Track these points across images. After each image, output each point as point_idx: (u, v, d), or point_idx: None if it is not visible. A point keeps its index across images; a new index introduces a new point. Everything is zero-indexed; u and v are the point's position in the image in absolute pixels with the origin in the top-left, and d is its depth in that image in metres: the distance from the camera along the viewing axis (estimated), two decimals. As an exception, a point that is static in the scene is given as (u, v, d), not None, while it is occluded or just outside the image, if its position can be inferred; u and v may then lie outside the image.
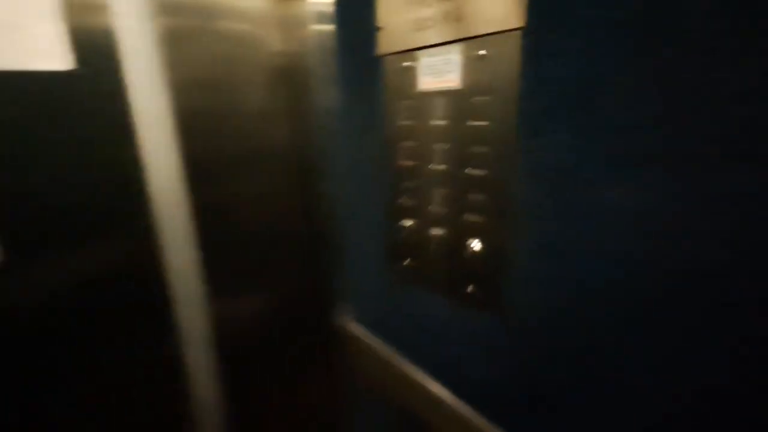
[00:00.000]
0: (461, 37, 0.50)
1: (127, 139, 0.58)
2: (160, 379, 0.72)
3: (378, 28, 0.61)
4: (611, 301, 0.41)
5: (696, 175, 0.33)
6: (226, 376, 0.76)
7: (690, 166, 0.34)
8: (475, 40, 0.48)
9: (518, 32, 0.43)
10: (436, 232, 0.60)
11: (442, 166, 0.57)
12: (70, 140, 0.56)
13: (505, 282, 0.52)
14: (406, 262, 0.67)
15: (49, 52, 0.50)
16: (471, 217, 0.54)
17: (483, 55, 0.48)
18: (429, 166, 0.59)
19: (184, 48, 0.60)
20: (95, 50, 0.54)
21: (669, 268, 0.36)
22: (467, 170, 0.53)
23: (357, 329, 0.81)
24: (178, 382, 0.73)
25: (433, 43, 0.54)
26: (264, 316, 0.82)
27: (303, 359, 0.86)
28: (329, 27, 0.70)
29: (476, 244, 0.54)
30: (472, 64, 0.50)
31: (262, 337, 0.83)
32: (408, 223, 0.65)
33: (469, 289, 0.57)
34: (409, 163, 0.62)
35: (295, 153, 0.74)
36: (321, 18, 0.72)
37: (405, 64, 0.58)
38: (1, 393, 0.59)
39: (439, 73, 0.54)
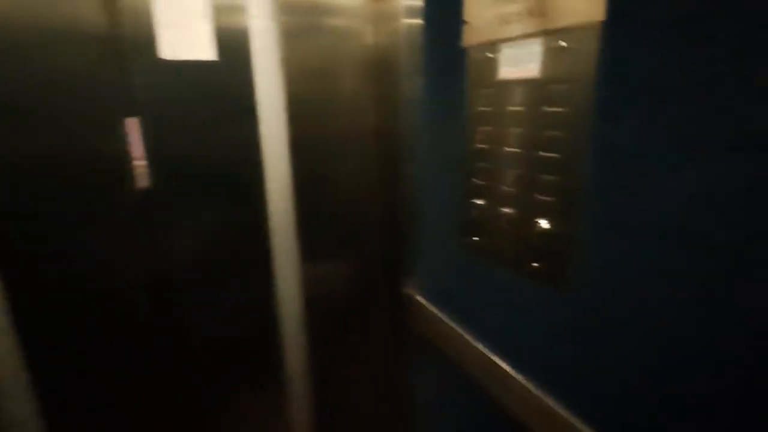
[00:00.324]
0: (543, 30, 0.54)
1: (251, 119, 0.71)
2: (259, 321, 0.86)
3: (464, 22, 0.67)
4: (672, 276, 0.44)
5: (759, 160, 0.36)
6: (310, 327, 0.88)
7: (752, 152, 0.36)
8: (556, 32, 0.53)
9: (598, 25, 0.47)
10: (507, 210, 0.65)
11: (516, 149, 0.62)
12: (213, 116, 0.70)
13: (569, 258, 0.56)
14: (475, 238, 0.73)
15: (202, 46, 0.64)
16: (541, 197, 0.59)
17: (563, 47, 0.52)
18: (504, 149, 0.64)
19: (296, 42, 0.71)
20: (232, 45, 0.67)
21: (731, 246, 0.39)
22: (540, 153, 0.58)
23: (424, 298, 0.89)
24: (270, 327, 0.86)
25: (515, 35, 0.58)
26: (343, 280, 0.93)
27: (374, 321, 0.95)
28: (418, 21, 0.77)
29: (544, 223, 0.58)
30: (551, 55, 0.54)
31: (340, 298, 0.94)
32: (480, 201, 0.71)
33: (535, 264, 0.61)
34: (485, 146, 0.68)
35: (381, 136, 0.83)
36: (410, 13, 0.79)
37: (487, 54, 0.64)
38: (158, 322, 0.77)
39: (520, 63, 0.59)
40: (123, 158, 0.68)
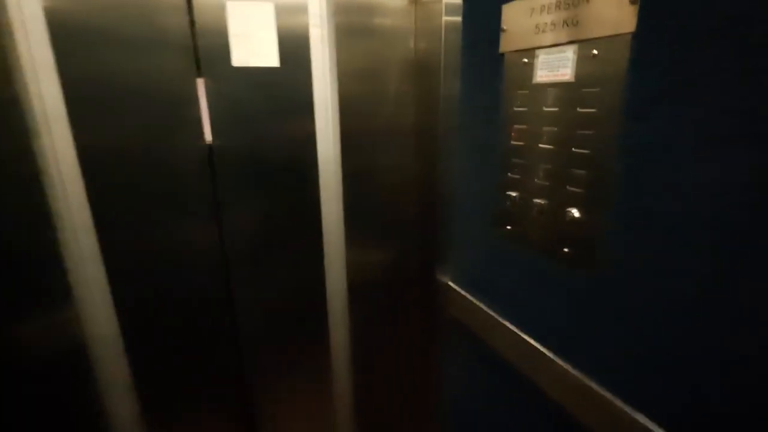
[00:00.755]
0: (577, 39, 0.61)
1: (307, 116, 0.79)
2: (308, 299, 0.95)
3: (502, 30, 0.73)
4: (696, 259, 0.50)
5: (773, 153, 0.42)
6: (352, 308, 0.97)
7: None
8: (589, 41, 0.59)
9: (628, 36, 0.54)
10: (539, 201, 0.72)
11: (549, 146, 0.69)
12: (275, 114, 0.80)
13: (598, 243, 0.62)
14: (508, 227, 0.80)
15: (266, 54, 0.73)
16: (572, 189, 0.65)
17: (595, 54, 0.59)
18: (538, 146, 0.70)
19: (346, 45, 0.79)
20: (292, 52, 0.76)
21: (755, 232, 0.45)
22: (573, 149, 0.64)
23: (458, 284, 0.96)
24: (318, 305, 0.95)
25: (551, 43, 0.65)
26: (382, 267, 1.01)
27: (409, 305, 1.03)
28: (457, 26, 0.83)
29: (576, 212, 0.65)
30: (584, 61, 0.61)
31: (379, 283, 1.02)
32: (514, 193, 0.77)
33: (566, 249, 0.68)
34: (520, 143, 0.74)
35: (420, 133, 0.90)
36: (450, 17, 0.86)
37: (524, 60, 0.71)
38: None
39: (554, 68, 0.66)
40: (198, 147, 0.79)
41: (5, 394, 0.75)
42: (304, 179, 0.85)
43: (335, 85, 0.76)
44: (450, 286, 0.98)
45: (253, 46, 0.74)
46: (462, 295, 0.94)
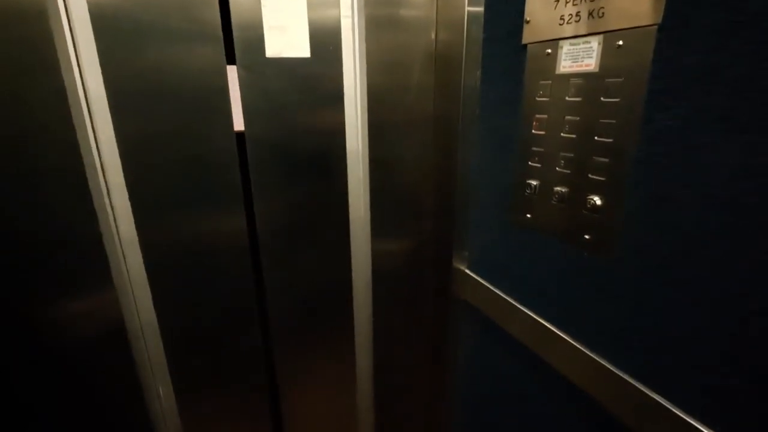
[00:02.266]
0: (602, 30, 0.62)
1: (337, 107, 0.82)
2: (334, 284, 0.99)
3: (526, 22, 0.75)
4: (717, 244, 0.52)
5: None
6: (375, 295, 1.01)
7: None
8: (614, 32, 0.61)
9: (654, 27, 0.55)
10: (560, 189, 0.74)
11: (571, 135, 0.70)
12: (306, 106, 0.82)
13: (618, 230, 0.64)
14: (528, 215, 0.82)
15: (299, 45, 0.76)
16: (594, 177, 0.67)
17: (620, 45, 0.60)
18: (560, 135, 0.72)
19: (374, 36, 0.81)
20: (322, 41, 0.78)
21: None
22: (595, 138, 0.66)
23: (474, 272, 0.99)
24: (344, 290, 0.99)
25: (575, 34, 0.67)
26: (405, 254, 1.04)
27: (427, 291, 1.06)
28: (478, 17, 0.85)
29: (597, 199, 0.67)
30: (609, 52, 0.62)
31: (401, 269, 1.06)
32: (534, 182, 0.79)
33: (586, 236, 0.70)
34: (541, 132, 0.76)
35: (441, 123, 0.92)
36: (473, 8, 0.87)
37: (547, 51, 0.72)
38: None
39: (578, 58, 0.67)
40: (229, 134, 0.82)
41: (54, 370, 0.80)
42: (333, 168, 0.88)
43: (364, 76, 0.78)
44: (465, 273, 1.00)
45: (287, 38, 0.77)
46: (479, 281, 0.97)
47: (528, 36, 0.76)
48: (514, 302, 0.87)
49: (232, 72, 0.77)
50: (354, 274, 0.96)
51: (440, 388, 1.16)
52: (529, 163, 0.80)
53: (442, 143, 0.95)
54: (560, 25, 0.69)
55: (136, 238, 0.79)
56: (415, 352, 1.14)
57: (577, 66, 0.68)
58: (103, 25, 0.69)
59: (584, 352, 0.72)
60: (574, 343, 0.73)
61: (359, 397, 1.08)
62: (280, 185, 0.87)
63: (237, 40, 0.77)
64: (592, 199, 0.68)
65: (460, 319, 1.07)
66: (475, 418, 1.11)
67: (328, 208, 0.91)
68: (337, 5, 0.75)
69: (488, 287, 0.94)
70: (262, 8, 0.73)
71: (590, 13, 0.64)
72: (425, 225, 1.02)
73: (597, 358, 0.70)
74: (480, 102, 0.88)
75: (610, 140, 0.64)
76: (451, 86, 0.90)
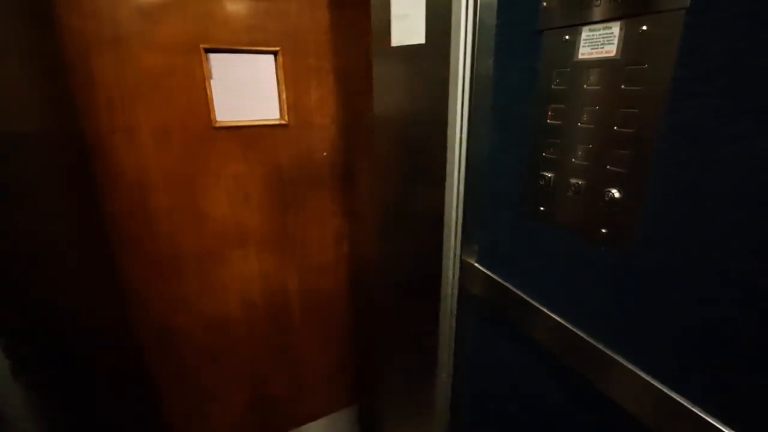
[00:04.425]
0: (624, 14, 0.60)
1: (443, 93, 0.83)
2: (427, 272, 1.01)
3: (542, 7, 0.72)
4: (743, 240, 0.50)
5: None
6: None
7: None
8: (638, 17, 0.58)
9: (682, 12, 0.52)
10: (575, 181, 0.72)
11: (589, 125, 0.68)
12: (418, 92, 0.88)
13: (637, 224, 0.62)
14: (541, 208, 0.80)
15: (417, 32, 0.81)
16: (613, 168, 0.65)
17: (644, 30, 0.58)
18: (577, 125, 0.70)
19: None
20: (434, 28, 0.80)
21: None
22: (615, 128, 0.63)
23: (483, 265, 0.97)
24: (435, 277, 1.01)
25: (596, 19, 0.64)
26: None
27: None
28: (493, 3, 0.82)
29: (616, 192, 0.65)
30: (632, 38, 0.60)
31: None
32: (548, 174, 0.77)
33: (603, 230, 0.68)
34: (557, 122, 0.74)
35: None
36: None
37: (565, 37, 0.69)
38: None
39: (598, 45, 0.64)
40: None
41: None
42: (436, 152, 0.89)
43: (470, 62, 0.77)
44: (475, 266, 0.99)
45: (407, 25, 0.81)
46: (488, 275, 0.95)
47: (544, 22, 0.73)
48: (524, 296, 0.85)
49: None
50: (444, 263, 0.95)
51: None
52: (544, 154, 0.77)
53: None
54: (580, 9, 0.66)
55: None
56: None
57: (596, 53, 0.65)
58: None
59: (597, 347, 0.70)
60: (587, 338, 0.72)
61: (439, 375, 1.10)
62: (396, 167, 0.94)
63: (374, 31, 0.87)
64: (611, 192, 0.65)
65: (469, 313, 1.05)
66: (482, 411, 1.10)
67: (428, 193, 0.94)
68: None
69: (497, 280, 0.92)
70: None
71: (612, -3, 0.61)
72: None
73: (610, 353, 0.68)
74: (492, 91, 0.85)
75: (631, 131, 0.62)
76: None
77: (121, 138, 0.86)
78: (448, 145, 0.81)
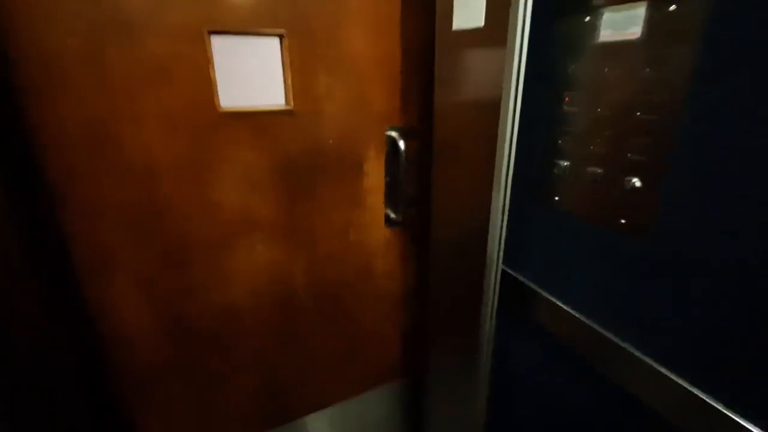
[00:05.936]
0: (651, -7, 0.57)
1: (498, 79, 0.79)
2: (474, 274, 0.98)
3: (562, -13, 0.69)
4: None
5: None
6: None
7: None
8: (666, -4, 0.55)
9: (714, -11, 0.49)
10: (594, 170, 0.70)
11: (609, 111, 0.65)
12: (473, 79, 0.84)
13: (660, 214, 0.60)
14: (556, 198, 0.78)
15: (477, 16, 0.80)
16: (635, 157, 0.63)
17: (671, 11, 0.55)
18: (597, 111, 0.67)
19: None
20: (494, 11, 0.77)
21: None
22: (637, 114, 0.61)
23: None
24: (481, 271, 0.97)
25: (619, 0, 0.61)
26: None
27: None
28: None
29: (637, 181, 0.62)
30: (657, 19, 0.57)
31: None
32: (565, 162, 0.75)
33: (622, 220, 0.66)
34: (575, 108, 0.71)
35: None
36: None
37: (585, 19, 0.66)
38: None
39: (621, 26, 0.62)
40: None
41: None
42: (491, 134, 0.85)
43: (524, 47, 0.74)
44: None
45: (468, 10, 0.81)
46: (508, 272, 0.93)
47: (561, 3, 0.70)
48: (537, 288, 0.83)
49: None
50: (488, 259, 0.93)
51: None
52: (559, 142, 0.75)
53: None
54: (601, -11, 0.63)
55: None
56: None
57: (619, 35, 0.62)
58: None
59: (612, 340, 0.68)
60: (606, 334, 0.70)
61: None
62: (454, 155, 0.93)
63: (438, 16, 0.88)
64: (631, 181, 0.63)
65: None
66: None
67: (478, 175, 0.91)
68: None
69: (509, 273, 0.90)
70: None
71: (638, -25, 0.58)
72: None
73: (625, 346, 0.66)
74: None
75: (654, 117, 0.59)
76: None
77: (124, 124, 0.84)
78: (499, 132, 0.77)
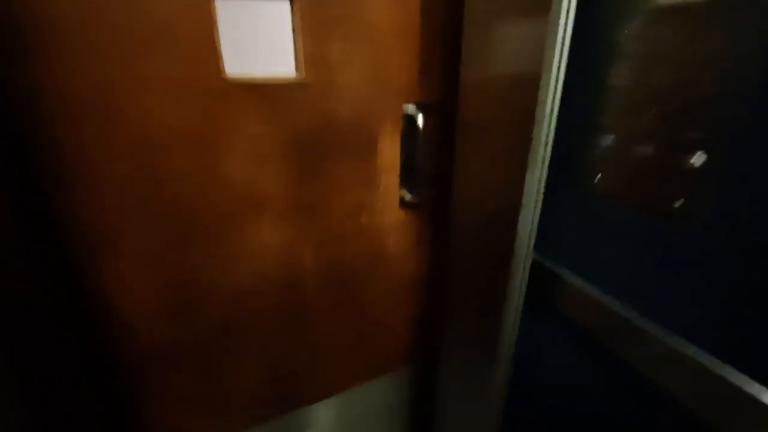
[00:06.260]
0: (731, -53, 0.50)
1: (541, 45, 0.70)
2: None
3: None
4: None
5: None
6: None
7: None
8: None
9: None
10: (644, 149, 0.64)
11: (666, 84, 0.59)
12: (509, 56, 0.75)
13: (717, 196, 0.55)
14: (596, 179, 0.72)
15: None
16: (693, 134, 0.57)
17: (756, -34, 0.48)
18: (650, 85, 0.61)
19: None
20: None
21: None
22: (697, 86, 0.55)
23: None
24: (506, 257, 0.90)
25: (690, -45, 0.54)
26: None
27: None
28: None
29: (697, 159, 0.57)
30: (736, -23, 0.50)
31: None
32: (608, 141, 0.69)
33: (677, 204, 0.60)
34: (624, 83, 0.65)
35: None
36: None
37: (644, -21, 0.59)
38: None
39: (688, -13, 0.55)
40: None
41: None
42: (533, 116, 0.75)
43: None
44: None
45: None
46: (539, 261, 0.87)
47: (617, -39, 0.62)
48: (568, 276, 0.78)
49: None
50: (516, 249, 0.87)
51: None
52: (603, 117, 0.69)
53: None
54: (666, -56, 0.56)
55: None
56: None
57: (684, -3, 0.55)
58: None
59: (652, 333, 0.64)
60: (648, 330, 0.66)
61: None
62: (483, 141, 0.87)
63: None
64: (689, 162, 0.57)
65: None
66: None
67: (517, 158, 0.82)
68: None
69: (537, 259, 0.85)
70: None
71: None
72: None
73: (669, 341, 0.62)
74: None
75: (718, 91, 0.53)
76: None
77: (125, 90, 0.76)
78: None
